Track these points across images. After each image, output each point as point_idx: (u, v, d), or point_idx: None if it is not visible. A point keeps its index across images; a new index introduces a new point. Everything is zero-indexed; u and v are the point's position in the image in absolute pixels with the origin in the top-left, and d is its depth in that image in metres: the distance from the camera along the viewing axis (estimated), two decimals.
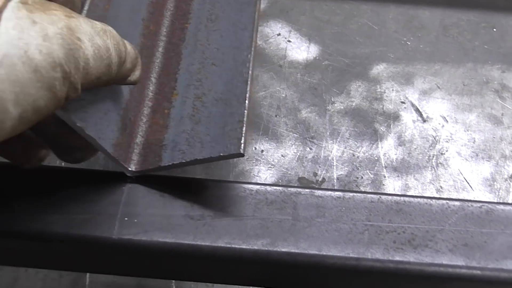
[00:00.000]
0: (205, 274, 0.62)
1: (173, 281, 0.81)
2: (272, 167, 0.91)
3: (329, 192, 0.61)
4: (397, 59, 1.06)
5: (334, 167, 0.91)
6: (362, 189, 0.89)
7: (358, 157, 0.93)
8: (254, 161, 0.91)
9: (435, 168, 0.92)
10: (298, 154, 0.93)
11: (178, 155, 0.60)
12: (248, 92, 0.62)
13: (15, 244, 0.60)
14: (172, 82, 0.67)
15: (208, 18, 0.72)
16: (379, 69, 1.05)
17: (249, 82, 0.63)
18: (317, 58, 1.05)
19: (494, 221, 0.60)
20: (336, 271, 0.58)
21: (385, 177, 0.91)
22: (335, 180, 0.90)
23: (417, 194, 0.88)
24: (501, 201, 0.88)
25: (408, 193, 0.89)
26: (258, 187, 0.62)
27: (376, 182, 0.90)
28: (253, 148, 0.93)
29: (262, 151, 0.93)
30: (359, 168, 0.92)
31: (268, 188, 0.62)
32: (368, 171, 0.91)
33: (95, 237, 0.57)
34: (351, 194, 0.61)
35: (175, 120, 0.63)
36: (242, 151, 0.57)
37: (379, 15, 1.13)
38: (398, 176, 0.91)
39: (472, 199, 0.86)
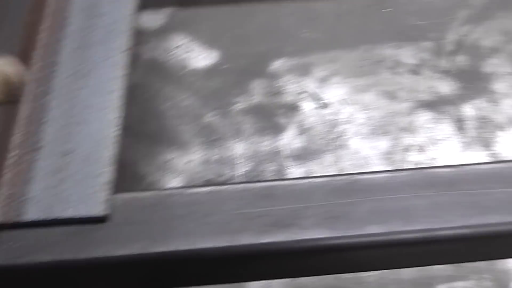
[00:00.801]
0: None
1: None
2: (180, 174, 0.95)
3: (200, 189, 0.65)
4: (294, 52, 1.10)
5: (239, 165, 0.95)
6: None
7: (261, 151, 0.96)
8: (161, 171, 0.95)
9: (335, 150, 0.96)
10: (204, 158, 0.96)
11: (41, 211, 0.62)
12: (114, 155, 0.67)
13: None
14: (37, 133, 0.69)
15: (76, 73, 0.75)
16: (276, 64, 1.08)
17: (116, 144, 0.68)
18: (217, 62, 1.09)
19: (357, 190, 0.64)
20: (209, 262, 0.61)
21: (287, 166, 0.94)
22: (240, 177, 0.93)
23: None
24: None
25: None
26: (134, 194, 0.65)
27: (280, 172, 0.94)
28: (160, 159, 0.96)
29: (168, 160, 0.96)
30: (263, 161, 0.95)
31: (144, 193, 0.65)
32: (271, 163, 0.95)
33: None
34: (221, 187, 0.65)
35: (39, 174, 0.66)
36: (106, 213, 0.61)
37: (275, 13, 1.17)
38: (300, 163, 0.95)
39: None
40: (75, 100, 0.73)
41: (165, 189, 0.65)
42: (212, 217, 0.63)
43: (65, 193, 0.64)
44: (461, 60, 1.07)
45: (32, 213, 0.63)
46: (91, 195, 0.64)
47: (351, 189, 0.64)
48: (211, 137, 0.98)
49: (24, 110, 0.72)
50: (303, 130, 0.98)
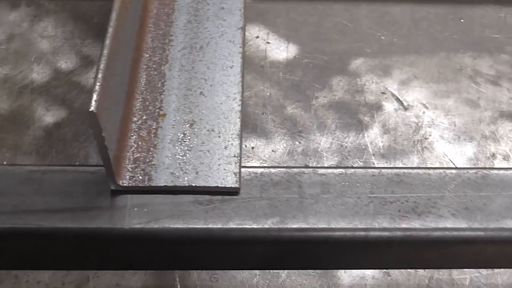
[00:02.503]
0: (217, 260, 0.63)
1: (177, 280, 0.81)
2: (264, 162, 0.93)
3: (331, 170, 0.63)
4: (374, 53, 1.09)
5: (324, 158, 0.93)
6: None
7: (346, 147, 0.95)
8: (245, 158, 0.93)
9: (421, 152, 0.95)
10: (288, 148, 0.95)
11: (170, 178, 0.61)
12: (240, 129, 0.66)
13: (22, 244, 0.60)
14: (156, 101, 0.68)
15: (192, 46, 0.74)
16: (357, 63, 1.08)
17: (240, 118, 0.67)
18: (297, 56, 1.08)
19: (490, 184, 0.63)
20: (345, 243, 0.59)
21: (374, 164, 0.93)
22: None
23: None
24: None
25: None
26: (262, 169, 0.63)
27: None
28: (244, 146, 0.94)
29: (253, 148, 0.94)
30: (349, 157, 0.94)
31: (272, 170, 0.63)
32: (357, 159, 0.93)
33: (107, 229, 0.58)
34: (353, 170, 0.63)
35: (164, 141, 0.64)
36: (238, 185, 0.60)
37: (352, 13, 1.17)
38: (386, 162, 0.94)
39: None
40: (192, 72, 0.72)
41: (295, 167, 0.63)
42: (345, 199, 0.61)
43: (193, 162, 0.63)
44: None
45: (161, 179, 0.61)
46: (221, 166, 0.62)
47: (484, 183, 0.63)
48: (295, 129, 0.96)
49: (141, 77, 0.71)
50: (387, 130, 0.97)
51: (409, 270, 0.82)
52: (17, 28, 1.13)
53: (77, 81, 1.05)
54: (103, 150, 0.55)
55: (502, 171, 0.64)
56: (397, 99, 1.02)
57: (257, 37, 1.11)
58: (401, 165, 0.93)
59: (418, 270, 0.82)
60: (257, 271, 0.81)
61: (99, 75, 0.54)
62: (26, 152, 0.96)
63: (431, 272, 0.82)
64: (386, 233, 0.59)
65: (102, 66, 0.55)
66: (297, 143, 0.95)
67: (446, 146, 0.96)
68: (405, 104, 1.02)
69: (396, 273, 0.82)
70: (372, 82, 1.05)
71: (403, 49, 1.11)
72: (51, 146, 0.96)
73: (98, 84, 0.54)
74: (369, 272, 0.82)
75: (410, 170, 0.63)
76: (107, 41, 0.58)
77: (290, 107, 1.00)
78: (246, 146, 0.94)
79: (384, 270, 0.82)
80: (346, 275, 0.82)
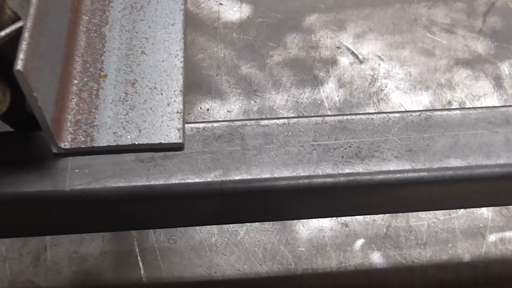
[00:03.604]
0: (162, 218, 0.63)
1: (135, 243, 0.81)
2: None
3: (274, 120, 0.63)
4: (328, 8, 1.09)
5: (280, 115, 0.93)
6: None
7: (302, 103, 0.95)
8: (200, 120, 0.92)
9: (377, 104, 0.95)
10: (244, 108, 0.94)
11: (112, 138, 0.60)
12: (183, 85, 0.65)
13: None
14: (97, 63, 0.67)
15: (132, 6, 0.73)
16: (311, 19, 1.07)
17: (183, 75, 0.66)
18: (250, 16, 1.07)
19: (434, 126, 0.63)
20: (289, 191, 0.59)
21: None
22: None
23: None
24: None
25: None
26: (204, 124, 0.62)
27: None
28: (198, 108, 0.94)
29: (208, 109, 0.93)
30: (304, 113, 0.94)
31: (215, 124, 0.62)
32: (313, 115, 0.93)
33: (48, 191, 0.57)
34: (296, 119, 0.63)
35: (105, 101, 0.63)
36: (182, 141, 0.59)
37: None
38: None
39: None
40: (133, 32, 0.71)
41: (237, 120, 0.63)
42: (288, 148, 0.61)
43: (136, 121, 0.62)
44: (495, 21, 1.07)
45: (103, 140, 0.60)
46: (164, 123, 0.61)
47: (427, 124, 0.63)
48: (250, 88, 0.96)
49: (80, 39, 0.69)
50: (343, 84, 0.97)
51: (367, 219, 0.83)
52: None
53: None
54: (38, 111, 0.54)
55: (445, 112, 0.64)
56: (352, 53, 1.02)
57: None
58: None
59: (375, 219, 0.83)
60: (215, 230, 0.81)
61: (26, 34, 0.53)
62: None
63: (388, 220, 0.83)
64: (330, 179, 0.59)
65: (28, 24, 0.54)
66: (252, 102, 0.95)
67: (402, 97, 0.96)
68: (360, 57, 1.01)
69: (354, 223, 0.82)
70: (327, 37, 1.04)
71: (358, 3, 1.10)
72: None
73: (24, 42, 0.52)
74: (327, 224, 0.82)
75: (354, 116, 0.63)
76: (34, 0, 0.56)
77: (245, 67, 0.99)
78: (201, 108, 0.94)
79: (342, 220, 0.82)
80: (304, 229, 0.82)
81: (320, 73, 0.98)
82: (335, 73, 0.98)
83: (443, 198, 0.64)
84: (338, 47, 1.02)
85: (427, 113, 0.64)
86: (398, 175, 0.60)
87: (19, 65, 0.51)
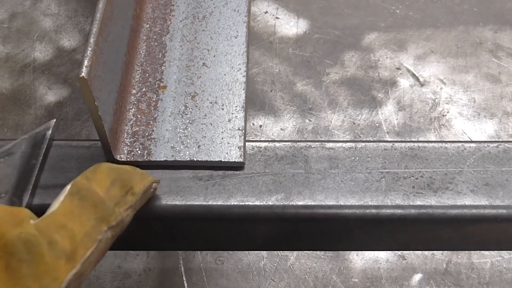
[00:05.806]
0: (218, 240, 0.59)
1: (181, 262, 0.77)
2: None
3: (340, 144, 0.59)
4: (388, 27, 1.05)
5: (335, 137, 0.89)
6: None
7: (358, 124, 0.91)
8: (253, 137, 0.89)
9: (438, 129, 0.90)
10: (298, 126, 0.90)
11: (170, 152, 0.57)
12: (244, 101, 0.62)
13: None
14: (157, 73, 0.65)
15: (194, 16, 0.71)
16: (370, 38, 1.03)
17: (245, 90, 0.63)
18: (307, 32, 1.03)
19: None
20: (355, 221, 0.55)
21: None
22: None
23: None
24: None
25: None
26: (266, 144, 0.59)
27: None
28: (251, 124, 0.90)
29: (261, 126, 0.90)
30: (361, 135, 0.89)
31: (277, 144, 0.59)
32: (370, 137, 0.89)
33: None
34: (363, 144, 0.59)
35: (164, 114, 0.61)
36: (243, 160, 0.56)
37: None
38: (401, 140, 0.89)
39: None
40: (195, 43, 0.68)
41: (301, 141, 0.59)
42: (355, 174, 0.57)
43: (195, 136, 0.59)
44: None
45: (160, 154, 0.57)
46: (224, 140, 0.58)
47: (506, 157, 0.58)
48: (304, 106, 0.92)
49: (141, 47, 0.67)
50: (402, 107, 0.93)
51: (425, 253, 0.78)
52: (19, 7, 1.10)
53: (80, 59, 1.01)
54: (97, 121, 0.52)
55: None
56: (413, 75, 0.97)
57: (266, 12, 1.06)
58: None
59: (435, 253, 0.78)
60: (264, 254, 0.77)
61: (91, 40, 0.51)
62: (27, 131, 0.92)
63: (449, 255, 0.78)
64: (399, 211, 0.55)
65: (94, 30, 0.52)
66: (307, 120, 0.91)
67: (465, 124, 0.91)
68: (421, 80, 0.97)
69: (411, 256, 0.78)
70: (386, 57, 1.00)
71: (419, 23, 1.06)
72: None
73: (89, 49, 0.50)
74: (383, 256, 0.78)
75: (425, 144, 0.59)
76: (100, 4, 0.54)
77: (300, 83, 0.96)
78: (254, 124, 0.90)
79: (399, 252, 0.77)
80: (358, 258, 0.78)
81: (379, 94, 0.94)
82: (395, 95, 0.94)
83: None
84: (398, 68, 0.98)
85: (506, 144, 0.59)
86: (474, 211, 0.55)
87: (83, 72, 0.48)
